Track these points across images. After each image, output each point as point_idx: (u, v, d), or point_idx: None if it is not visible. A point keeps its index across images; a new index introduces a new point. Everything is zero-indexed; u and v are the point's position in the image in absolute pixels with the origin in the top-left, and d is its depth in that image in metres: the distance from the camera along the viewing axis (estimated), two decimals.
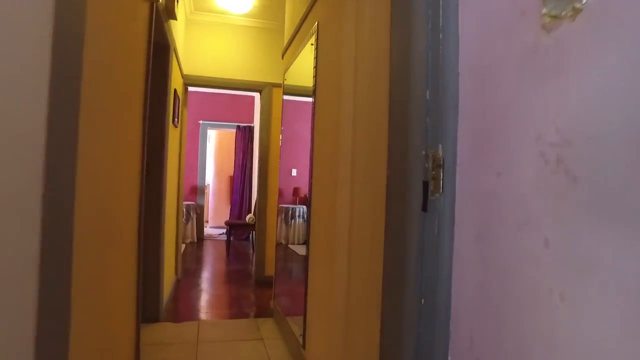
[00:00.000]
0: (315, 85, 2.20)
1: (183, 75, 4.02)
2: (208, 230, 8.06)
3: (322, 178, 2.09)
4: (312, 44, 2.34)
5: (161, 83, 2.90)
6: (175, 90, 3.39)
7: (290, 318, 2.79)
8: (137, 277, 2.01)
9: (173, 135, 3.48)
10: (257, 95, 6.96)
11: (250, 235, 6.81)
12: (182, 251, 5.89)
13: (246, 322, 3.11)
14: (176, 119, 3.47)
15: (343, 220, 1.70)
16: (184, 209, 6.65)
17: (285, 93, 3.49)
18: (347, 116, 1.70)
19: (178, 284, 4.07)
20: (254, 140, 7.14)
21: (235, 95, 7.42)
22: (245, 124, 7.43)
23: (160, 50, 2.90)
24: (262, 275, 4.29)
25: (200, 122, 7.28)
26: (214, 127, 7.46)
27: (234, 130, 7.50)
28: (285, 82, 3.39)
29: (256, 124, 7.07)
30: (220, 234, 7.56)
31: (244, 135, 7.43)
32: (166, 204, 3.02)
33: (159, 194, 2.89)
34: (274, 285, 3.47)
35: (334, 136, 1.85)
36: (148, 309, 2.89)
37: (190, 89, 7.19)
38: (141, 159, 2.03)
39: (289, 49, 3.16)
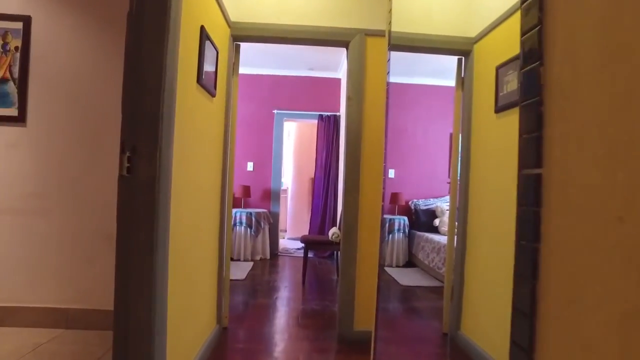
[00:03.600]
0: None
1: (230, 24, 2.65)
2: (285, 242, 6.77)
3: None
4: None
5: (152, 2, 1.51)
6: (204, 31, 2.01)
7: None
8: None
9: (202, 107, 2.11)
10: (343, 76, 5.49)
11: (335, 253, 5.33)
12: (246, 274, 4.57)
13: None
14: (205, 79, 2.09)
15: None
16: (254, 219, 5.40)
17: (393, 44, 1.90)
18: None
19: (222, 335, 2.70)
20: (341, 131, 5.65)
21: (316, 77, 6.01)
22: (329, 113, 5.97)
23: None
24: (349, 330, 2.74)
25: (275, 111, 5.98)
26: (291, 117, 6.10)
27: (316, 122, 6.09)
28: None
29: (342, 111, 5.57)
30: (298, 249, 6.20)
31: (328, 126, 5.97)
32: (171, 222, 1.62)
33: (149, 206, 1.50)
34: None
35: None
36: None
37: (259, 70, 5.93)
38: None
39: None
